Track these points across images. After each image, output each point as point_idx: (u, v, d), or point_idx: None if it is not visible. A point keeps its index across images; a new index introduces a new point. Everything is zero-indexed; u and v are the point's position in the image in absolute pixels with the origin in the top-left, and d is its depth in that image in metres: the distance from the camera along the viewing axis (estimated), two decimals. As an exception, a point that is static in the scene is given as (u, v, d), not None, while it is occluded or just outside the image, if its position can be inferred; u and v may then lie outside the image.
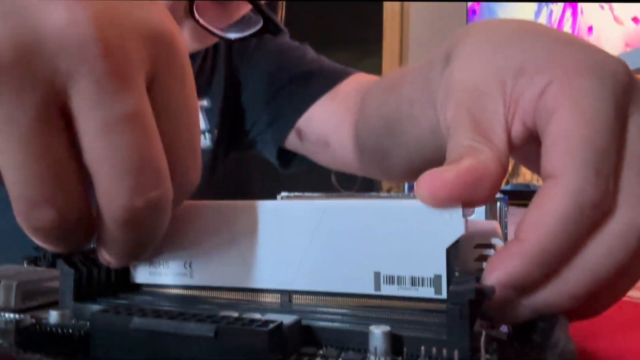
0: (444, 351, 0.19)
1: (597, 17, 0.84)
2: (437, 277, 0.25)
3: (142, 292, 0.30)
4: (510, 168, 1.53)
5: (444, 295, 0.25)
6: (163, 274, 0.29)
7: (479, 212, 0.42)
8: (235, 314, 0.21)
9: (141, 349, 0.20)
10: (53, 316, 0.23)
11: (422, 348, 0.19)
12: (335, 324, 0.24)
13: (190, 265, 0.29)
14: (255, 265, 0.28)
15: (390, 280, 0.26)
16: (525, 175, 1.49)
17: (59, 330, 0.21)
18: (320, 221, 0.27)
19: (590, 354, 0.27)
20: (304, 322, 0.23)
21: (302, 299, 0.27)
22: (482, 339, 0.20)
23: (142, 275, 0.30)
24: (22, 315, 0.23)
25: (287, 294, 0.28)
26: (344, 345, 0.23)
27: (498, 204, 0.42)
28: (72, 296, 0.26)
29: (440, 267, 0.25)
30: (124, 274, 0.30)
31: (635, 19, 0.77)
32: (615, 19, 0.80)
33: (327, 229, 0.27)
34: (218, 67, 0.79)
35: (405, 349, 0.21)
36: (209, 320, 0.20)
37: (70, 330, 0.21)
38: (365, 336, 0.22)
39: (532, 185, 1.19)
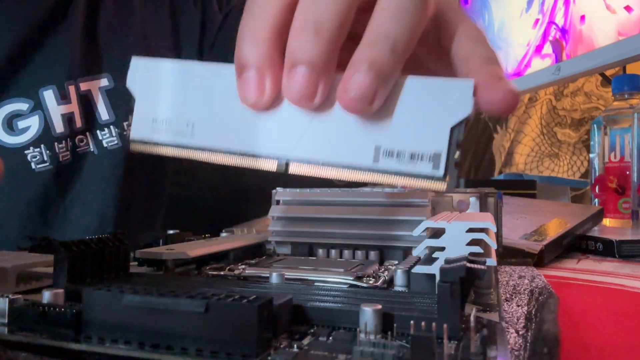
0: (433, 327, 0.19)
1: (590, 6, 0.84)
2: (437, 154, 0.25)
3: (135, 275, 0.30)
4: (503, 158, 1.53)
5: (440, 172, 0.25)
6: (164, 132, 0.29)
7: (474, 207, 0.42)
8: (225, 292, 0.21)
9: (133, 326, 0.20)
10: (46, 296, 0.23)
11: (412, 323, 0.19)
12: (327, 304, 0.24)
13: (192, 125, 0.29)
14: (257, 131, 0.28)
15: (390, 154, 0.26)
16: (519, 165, 1.49)
17: (52, 309, 0.21)
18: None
19: (579, 342, 0.27)
20: (296, 301, 0.23)
21: (299, 168, 0.27)
22: (472, 318, 0.21)
23: (143, 131, 0.30)
24: (15, 296, 0.23)
25: (285, 162, 0.27)
26: (335, 324, 0.23)
27: (492, 199, 0.42)
28: (65, 278, 0.26)
29: (441, 144, 0.25)
30: (117, 258, 0.30)
31: (627, 8, 0.77)
32: (608, 7, 0.80)
33: (335, 99, 0.27)
34: (124, 36, 0.64)
35: (395, 326, 0.21)
36: (200, 296, 0.20)
37: (63, 309, 0.21)
38: (355, 315, 0.22)
39: (525, 175, 1.19)
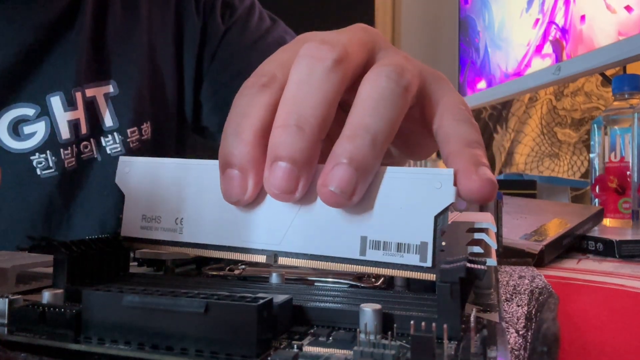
0: (433, 327, 0.19)
1: (590, 6, 0.84)
2: (423, 244, 0.25)
3: (135, 276, 0.30)
4: (503, 158, 1.53)
5: (428, 262, 0.25)
6: (154, 229, 0.30)
7: (474, 207, 0.42)
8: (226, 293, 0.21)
9: (132, 326, 0.20)
10: (46, 296, 0.23)
11: (412, 323, 0.19)
12: (327, 304, 0.24)
13: (180, 222, 0.29)
14: (244, 225, 0.28)
15: (376, 245, 0.26)
16: (519, 165, 1.49)
17: (51, 309, 0.21)
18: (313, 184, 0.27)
19: (579, 343, 0.27)
20: (296, 301, 0.23)
21: (287, 261, 0.27)
22: (472, 318, 0.21)
23: (133, 229, 0.30)
24: (15, 296, 0.23)
25: (273, 255, 0.28)
26: (335, 324, 0.23)
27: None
28: (65, 278, 0.26)
29: (427, 234, 0.25)
30: (117, 259, 0.30)
31: (628, 8, 0.77)
32: (608, 7, 0.80)
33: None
34: (130, 43, 0.65)
35: (395, 326, 0.21)
36: (200, 297, 0.20)
37: (62, 310, 0.21)
38: (355, 315, 0.22)
39: (525, 175, 1.19)
